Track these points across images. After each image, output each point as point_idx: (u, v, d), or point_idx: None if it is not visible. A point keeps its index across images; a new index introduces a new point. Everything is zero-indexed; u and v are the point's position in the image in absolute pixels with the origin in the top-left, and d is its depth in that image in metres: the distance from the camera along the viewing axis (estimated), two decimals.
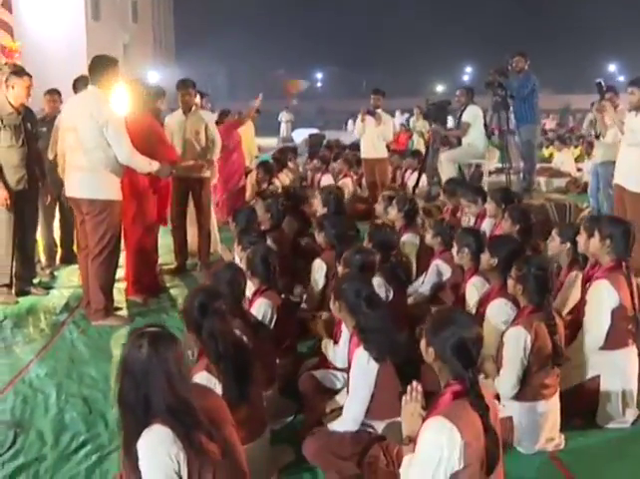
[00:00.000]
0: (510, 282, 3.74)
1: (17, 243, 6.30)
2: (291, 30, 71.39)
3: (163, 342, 2.41)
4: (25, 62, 19.44)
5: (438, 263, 5.36)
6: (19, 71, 6.08)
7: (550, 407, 3.61)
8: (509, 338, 3.55)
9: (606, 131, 7.52)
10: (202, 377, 3.20)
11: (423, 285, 5.49)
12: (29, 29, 25.40)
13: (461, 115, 8.85)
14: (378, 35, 75.92)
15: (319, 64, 65.86)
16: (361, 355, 3.35)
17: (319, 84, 63.11)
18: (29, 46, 24.26)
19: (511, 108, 8.62)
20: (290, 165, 11.91)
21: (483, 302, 4.20)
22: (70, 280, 6.98)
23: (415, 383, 2.81)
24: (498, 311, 3.97)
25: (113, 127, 5.42)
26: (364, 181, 10.90)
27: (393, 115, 13.00)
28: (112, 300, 5.87)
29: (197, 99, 8.65)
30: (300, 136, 24.18)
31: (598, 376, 3.90)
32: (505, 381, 3.55)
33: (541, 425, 3.59)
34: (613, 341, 3.87)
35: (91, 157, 5.45)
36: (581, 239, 4.24)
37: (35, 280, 6.79)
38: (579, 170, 13.48)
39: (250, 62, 63.12)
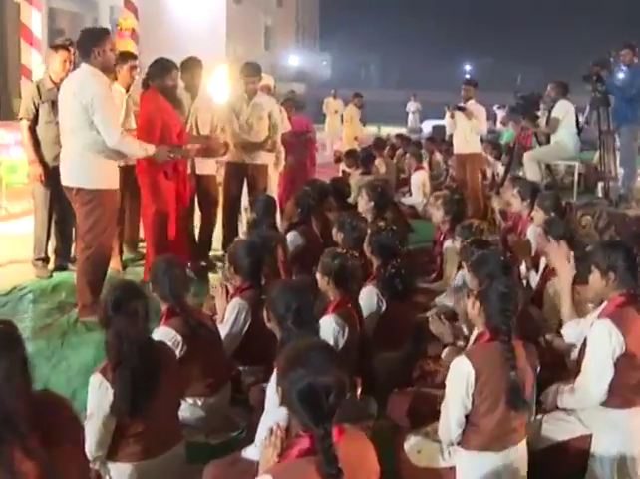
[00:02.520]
0: (469, 302, 3.10)
1: (55, 220, 6.29)
2: (441, 20, 69.85)
3: None
4: (153, 42, 20.15)
5: (465, 274, 4.73)
6: (57, 45, 6.02)
7: (508, 461, 2.91)
8: (450, 370, 2.94)
9: None
10: (95, 380, 2.92)
11: (445, 298, 4.89)
12: (174, 12, 26.30)
13: (550, 110, 7.97)
14: (537, 27, 72.63)
15: (470, 55, 64.09)
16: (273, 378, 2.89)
17: (467, 76, 61.31)
18: (173, 29, 25.24)
19: (612, 105, 7.66)
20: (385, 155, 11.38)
21: None
22: None
23: (276, 426, 2.32)
24: None
25: (98, 106, 4.89)
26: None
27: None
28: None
29: (271, 82, 8.38)
30: (430, 126, 23.46)
31: (589, 435, 3.17)
32: (443, 423, 2.96)
33: None
34: (615, 398, 3.12)
35: (75, 139, 5.05)
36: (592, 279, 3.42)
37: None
38: None
39: (398, 51, 62.37)
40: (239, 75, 7.05)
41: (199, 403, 3.62)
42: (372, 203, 5.86)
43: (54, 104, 5.89)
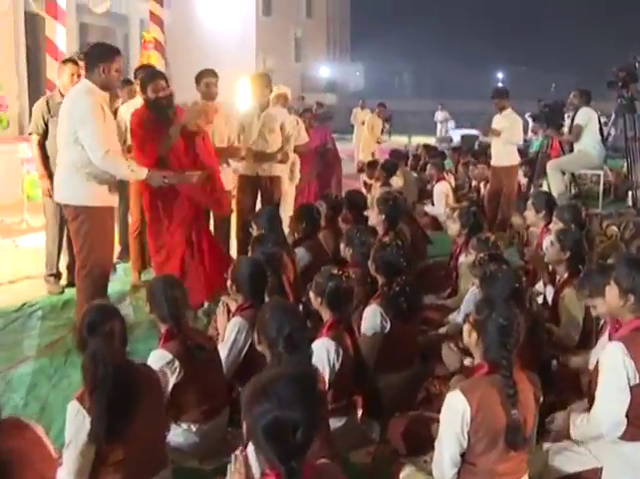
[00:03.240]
0: (466, 327, 2.91)
1: (67, 235, 6.23)
2: (474, 27, 69.35)
3: None
4: (182, 55, 20.23)
5: (476, 292, 4.54)
6: (66, 59, 6.00)
7: None
8: (445, 405, 2.75)
9: None
10: (72, 407, 2.80)
11: (458, 315, 4.70)
12: (204, 25, 26.45)
13: (573, 118, 7.73)
14: (572, 34, 71.67)
15: (503, 63, 63.43)
16: None
17: (500, 84, 60.70)
18: (202, 41, 25.38)
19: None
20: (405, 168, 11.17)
21: None
22: (127, 275, 6.83)
23: (238, 452, 2.18)
24: None
25: (84, 122, 4.69)
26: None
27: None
28: None
29: (288, 92, 8.26)
30: (459, 135, 23.26)
31: (600, 468, 2.95)
32: (437, 461, 2.77)
33: None
34: (628, 430, 2.88)
35: (64, 155, 4.90)
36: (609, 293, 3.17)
37: None
38: None
39: (432, 60, 62.06)
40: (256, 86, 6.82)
41: (194, 429, 3.48)
42: (383, 216, 5.69)
43: None
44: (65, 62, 5.95)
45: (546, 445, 3.10)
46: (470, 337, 2.86)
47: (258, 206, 6.82)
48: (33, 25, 15.37)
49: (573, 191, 8.56)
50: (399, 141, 23.45)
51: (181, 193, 5.42)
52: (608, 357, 2.96)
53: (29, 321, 5.62)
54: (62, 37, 10.59)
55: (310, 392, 2.08)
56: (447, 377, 3.81)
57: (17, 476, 2.20)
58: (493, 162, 9.28)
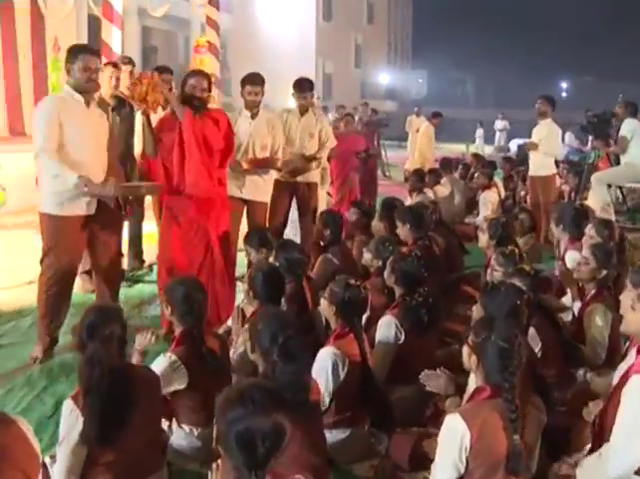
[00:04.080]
0: (465, 350, 2.80)
1: None
2: (538, 36, 68.16)
3: None
4: (242, 59, 20.35)
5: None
6: (107, 62, 6.09)
7: None
8: (444, 428, 2.64)
9: None
10: (66, 406, 2.84)
11: None
12: (264, 29, 26.68)
13: (618, 130, 7.49)
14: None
15: (568, 73, 62.27)
16: None
17: (564, 94, 59.43)
18: (262, 46, 25.60)
19: None
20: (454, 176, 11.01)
21: None
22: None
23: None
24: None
25: (35, 122, 4.52)
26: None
27: None
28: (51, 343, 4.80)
29: (316, 100, 8.19)
30: (515, 145, 22.88)
31: None
32: None
33: None
34: None
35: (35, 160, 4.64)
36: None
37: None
38: None
39: (494, 69, 61.24)
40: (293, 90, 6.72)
41: (196, 433, 3.48)
42: (407, 226, 5.60)
43: None
44: (105, 65, 6.01)
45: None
46: (469, 361, 2.76)
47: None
48: (96, 28, 15.80)
49: (626, 205, 8.29)
50: (457, 149, 23.24)
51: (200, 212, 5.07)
52: (632, 389, 2.72)
53: None
54: (117, 39, 10.81)
55: (280, 404, 2.05)
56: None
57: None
58: (531, 172, 9.15)
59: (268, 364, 2.90)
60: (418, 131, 17.68)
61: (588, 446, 3.07)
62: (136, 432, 2.83)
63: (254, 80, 6.02)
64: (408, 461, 3.23)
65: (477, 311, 3.59)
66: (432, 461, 2.90)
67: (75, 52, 4.52)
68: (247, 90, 5.99)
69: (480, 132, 26.00)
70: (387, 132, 19.16)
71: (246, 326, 3.84)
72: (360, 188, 9.22)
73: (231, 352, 3.93)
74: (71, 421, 2.78)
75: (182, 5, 19.55)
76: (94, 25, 15.62)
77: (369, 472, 3.39)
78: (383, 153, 17.81)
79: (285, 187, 6.67)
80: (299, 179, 6.67)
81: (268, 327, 2.96)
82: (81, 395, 2.80)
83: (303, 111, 6.74)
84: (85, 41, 15.34)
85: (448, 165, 10.88)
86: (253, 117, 6.04)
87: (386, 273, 4.24)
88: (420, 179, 9.46)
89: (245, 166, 5.86)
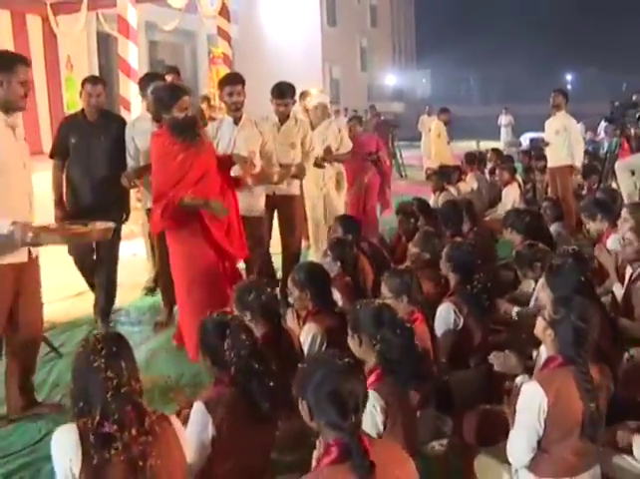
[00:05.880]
0: (541, 323, 2.94)
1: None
2: (540, 31, 68.18)
3: None
4: (249, 68, 20.61)
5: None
6: None
7: None
8: (522, 395, 2.79)
9: None
10: (197, 410, 2.79)
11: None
12: (270, 37, 26.87)
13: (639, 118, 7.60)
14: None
15: (572, 65, 62.28)
16: None
17: (569, 86, 59.38)
18: (269, 54, 25.79)
19: None
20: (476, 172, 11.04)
21: None
22: None
23: None
24: None
25: None
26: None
27: None
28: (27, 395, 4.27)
29: (327, 100, 7.82)
30: (527, 139, 22.89)
31: None
32: (514, 447, 2.80)
33: None
34: None
35: None
36: None
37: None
38: None
39: (498, 65, 61.34)
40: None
41: None
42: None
43: None
44: None
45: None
46: (544, 333, 2.92)
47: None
48: (106, 45, 16.01)
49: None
50: (466, 146, 23.24)
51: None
52: None
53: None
54: (134, 55, 10.99)
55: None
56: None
57: None
58: (549, 164, 9.31)
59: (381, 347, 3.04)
60: (430, 130, 17.86)
61: None
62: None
63: (232, 79, 5.55)
64: (475, 437, 3.35)
65: (542, 290, 3.71)
66: (503, 436, 3.03)
67: (12, 63, 3.94)
68: (227, 91, 5.42)
69: (505, 119, 25.62)
70: (397, 133, 19.28)
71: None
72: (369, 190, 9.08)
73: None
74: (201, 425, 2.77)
75: (190, 18, 19.78)
76: (105, 42, 15.89)
77: (439, 452, 3.49)
78: (398, 154, 17.93)
79: (266, 200, 5.90)
80: (277, 192, 6.01)
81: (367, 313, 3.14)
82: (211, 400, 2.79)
83: (284, 119, 6.17)
84: (96, 58, 15.63)
85: (472, 160, 10.92)
86: (236, 122, 5.52)
87: (442, 263, 4.38)
88: (443, 176, 9.53)
89: (250, 181, 5.06)
